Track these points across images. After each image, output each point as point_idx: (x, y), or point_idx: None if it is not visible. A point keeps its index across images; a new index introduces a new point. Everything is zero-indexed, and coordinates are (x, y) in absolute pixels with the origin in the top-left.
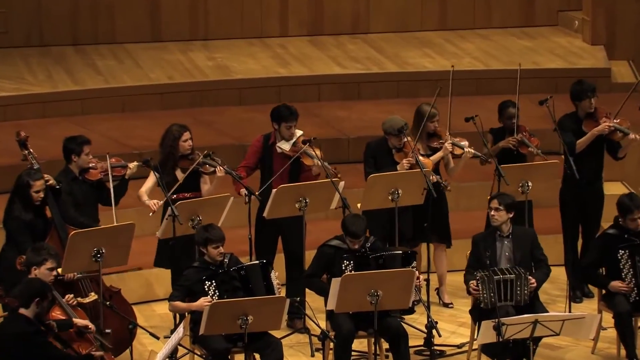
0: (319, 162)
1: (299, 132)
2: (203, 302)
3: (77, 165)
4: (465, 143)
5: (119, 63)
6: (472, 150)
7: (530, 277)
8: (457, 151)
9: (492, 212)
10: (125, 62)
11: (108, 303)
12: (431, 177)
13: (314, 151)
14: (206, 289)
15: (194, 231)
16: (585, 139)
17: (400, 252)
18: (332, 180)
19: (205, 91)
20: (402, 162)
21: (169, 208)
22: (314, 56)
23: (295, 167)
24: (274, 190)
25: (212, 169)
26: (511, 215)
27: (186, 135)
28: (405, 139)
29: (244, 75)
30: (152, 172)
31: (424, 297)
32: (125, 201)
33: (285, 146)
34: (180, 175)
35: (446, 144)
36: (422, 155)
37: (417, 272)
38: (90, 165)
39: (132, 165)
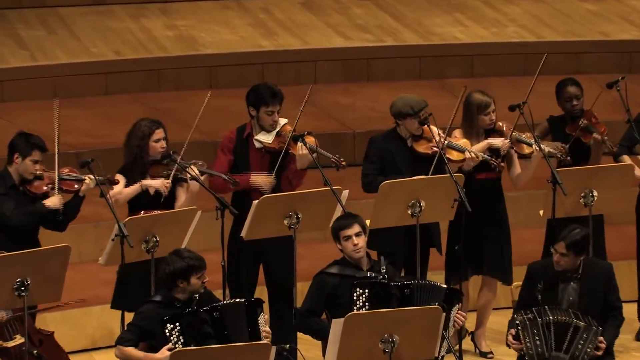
0: (306, 150)
1: (283, 121)
2: (167, 353)
3: (16, 171)
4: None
5: (49, 33)
6: (547, 148)
7: (600, 337)
8: (525, 150)
9: (556, 257)
10: (57, 32)
11: (35, 352)
12: (473, 157)
13: (307, 140)
14: (167, 334)
15: (149, 256)
16: None
17: (445, 287)
18: (332, 189)
19: (163, 70)
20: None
21: (116, 226)
22: (309, 24)
23: (282, 167)
24: (254, 202)
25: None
26: (582, 257)
27: (159, 133)
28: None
29: (215, 50)
30: (118, 174)
31: (455, 344)
32: None
33: (265, 138)
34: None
35: (536, 149)
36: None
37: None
38: (36, 174)
39: (90, 179)
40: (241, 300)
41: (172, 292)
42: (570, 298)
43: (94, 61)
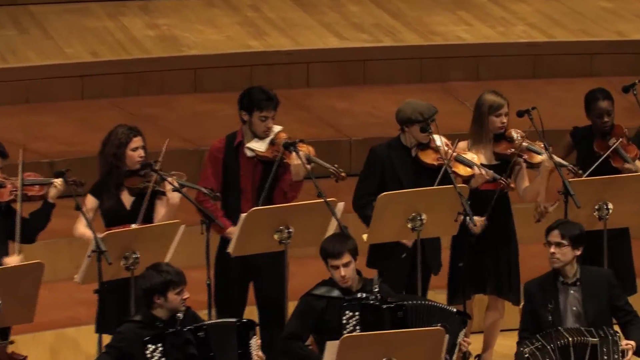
0: (303, 160)
1: (277, 128)
2: None
3: None
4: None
5: (20, 33)
6: (557, 158)
7: (623, 340)
8: (535, 158)
9: (552, 249)
10: (30, 31)
11: None
12: (482, 174)
13: (302, 149)
14: (148, 355)
15: (128, 273)
16: None
17: (455, 310)
18: (326, 201)
19: (144, 73)
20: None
21: (93, 241)
22: (301, 23)
23: (276, 178)
24: (242, 215)
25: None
26: (578, 253)
27: (137, 141)
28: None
29: (200, 51)
30: (88, 195)
31: None
32: None
33: (258, 146)
34: (127, 198)
35: (545, 161)
36: (485, 166)
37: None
38: None
39: (59, 182)
40: (232, 320)
41: (151, 310)
42: (574, 308)
43: (69, 63)
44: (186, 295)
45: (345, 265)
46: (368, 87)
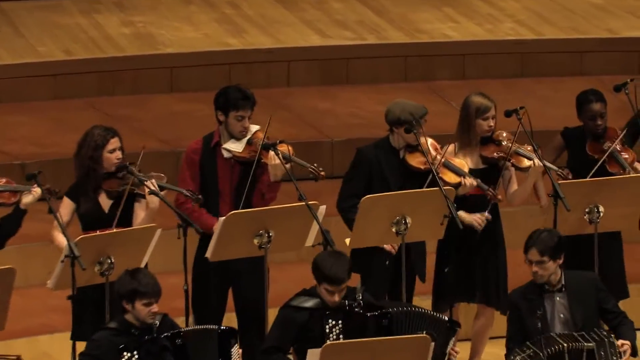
0: (281, 160)
1: (254, 127)
2: None
3: None
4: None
5: None
6: (547, 162)
7: (618, 340)
8: (523, 163)
9: (534, 268)
10: (1, 29)
11: None
12: (470, 184)
13: (281, 149)
14: None
15: (103, 279)
16: None
17: (447, 319)
18: (308, 204)
19: (119, 72)
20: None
21: (66, 246)
22: (282, 20)
23: (254, 179)
24: (221, 219)
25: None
26: (561, 261)
27: (113, 142)
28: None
29: (176, 49)
30: (64, 197)
31: None
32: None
33: (235, 147)
34: (105, 201)
35: (535, 163)
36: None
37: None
38: None
39: (36, 190)
40: (213, 327)
41: (124, 315)
42: (562, 315)
43: (41, 62)
44: (155, 309)
45: (341, 291)
46: (351, 86)
